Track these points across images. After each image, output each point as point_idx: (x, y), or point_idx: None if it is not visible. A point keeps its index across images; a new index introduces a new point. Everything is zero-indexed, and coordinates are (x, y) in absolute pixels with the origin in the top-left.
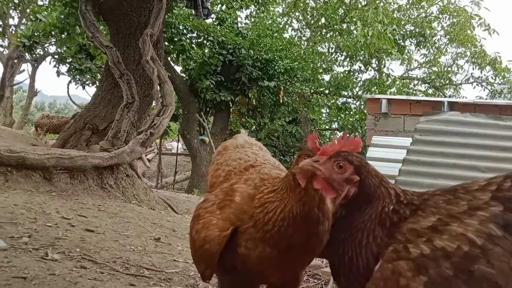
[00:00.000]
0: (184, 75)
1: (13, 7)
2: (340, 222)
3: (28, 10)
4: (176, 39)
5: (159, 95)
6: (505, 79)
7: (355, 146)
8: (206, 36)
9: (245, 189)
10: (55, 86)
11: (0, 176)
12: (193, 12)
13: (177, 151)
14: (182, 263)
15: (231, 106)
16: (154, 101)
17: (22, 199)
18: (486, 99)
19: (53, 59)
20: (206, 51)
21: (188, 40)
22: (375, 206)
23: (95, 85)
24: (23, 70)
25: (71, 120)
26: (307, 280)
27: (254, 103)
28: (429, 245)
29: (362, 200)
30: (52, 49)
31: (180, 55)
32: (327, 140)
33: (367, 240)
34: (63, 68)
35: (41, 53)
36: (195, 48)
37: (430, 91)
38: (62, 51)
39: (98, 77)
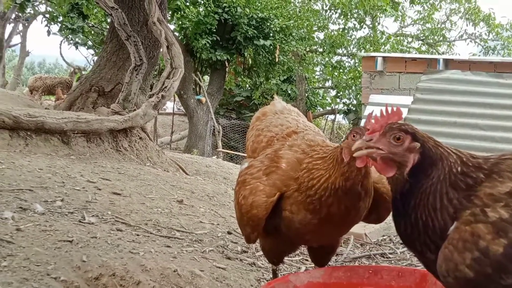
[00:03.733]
0: (179, 34)
1: None
2: (407, 192)
3: None
4: None
5: (168, 57)
6: (499, 35)
7: (398, 116)
8: None
9: (291, 155)
10: (43, 46)
11: (20, 140)
12: None
13: (173, 111)
14: (208, 224)
15: (227, 65)
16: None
17: (45, 163)
18: (479, 55)
19: (44, 18)
20: (201, 9)
21: None
22: (440, 167)
23: (86, 46)
24: (21, 32)
25: (76, 83)
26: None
27: (250, 62)
28: (508, 210)
29: (426, 164)
30: (43, 8)
31: (175, 14)
32: (320, 98)
33: (441, 203)
34: (54, 28)
35: (32, 12)
36: (190, 6)
37: (423, 48)
38: (53, 10)
39: (91, 37)
